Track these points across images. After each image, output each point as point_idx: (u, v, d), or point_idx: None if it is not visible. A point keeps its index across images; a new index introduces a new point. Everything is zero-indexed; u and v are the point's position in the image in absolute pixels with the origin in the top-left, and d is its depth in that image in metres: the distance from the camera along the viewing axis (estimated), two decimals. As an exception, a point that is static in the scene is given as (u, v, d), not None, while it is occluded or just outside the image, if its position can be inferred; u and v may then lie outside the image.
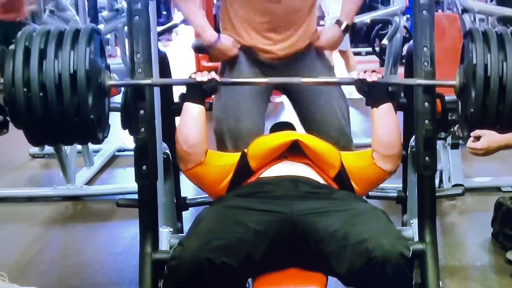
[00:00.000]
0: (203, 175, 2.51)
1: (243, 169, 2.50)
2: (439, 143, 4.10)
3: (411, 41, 2.61)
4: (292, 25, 2.95)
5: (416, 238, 2.41)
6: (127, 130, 2.41)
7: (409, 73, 2.74)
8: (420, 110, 2.34)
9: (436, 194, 2.42)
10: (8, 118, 2.27)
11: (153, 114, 2.40)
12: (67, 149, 4.40)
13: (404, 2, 5.30)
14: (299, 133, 2.69)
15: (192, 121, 2.46)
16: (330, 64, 3.19)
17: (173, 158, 2.86)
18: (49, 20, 4.59)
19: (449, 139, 4.14)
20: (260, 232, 2.19)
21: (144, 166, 2.35)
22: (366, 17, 5.07)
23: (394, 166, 2.51)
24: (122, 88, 2.72)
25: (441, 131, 2.44)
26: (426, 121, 2.32)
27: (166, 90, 2.88)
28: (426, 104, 2.33)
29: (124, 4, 4.52)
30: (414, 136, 2.44)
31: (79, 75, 2.15)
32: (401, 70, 4.39)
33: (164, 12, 13.34)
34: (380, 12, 5.40)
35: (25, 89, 2.14)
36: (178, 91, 2.61)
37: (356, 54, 8.45)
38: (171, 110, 2.74)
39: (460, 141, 4.00)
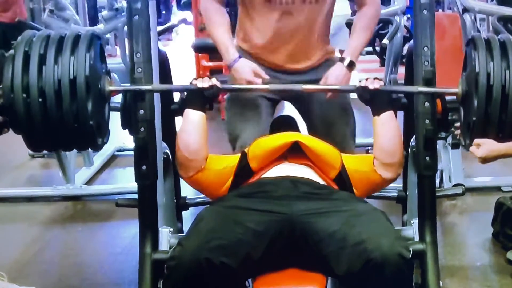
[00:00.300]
0: (205, 180, 2.50)
1: (244, 170, 2.49)
2: (440, 143, 4.10)
3: (412, 41, 2.61)
4: (309, 55, 2.93)
5: (417, 238, 2.41)
6: (127, 130, 2.41)
7: (409, 73, 2.73)
8: (420, 110, 2.34)
9: (437, 194, 2.42)
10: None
11: (153, 113, 2.39)
12: (66, 148, 4.40)
13: (405, 2, 5.29)
14: (300, 133, 2.68)
15: (193, 127, 2.46)
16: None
17: (173, 158, 2.86)
18: (48, 20, 4.58)
19: (449, 139, 4.13)
20: (260, 232, 2.18)
21: (144, 166, 2.35)
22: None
23: (395, 174, 2.51)
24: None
25: (441, 131, 2.43)
26: (427, 121, 2.32)
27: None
28: (427, 104, 2.33)
29: (124, 4, 4.53)
30: (414, 136, 2.44)
31: (79, 81, 2.15)
32: (401, 70, 4.38)
33: (164, 12, 13.33)
34: (381, 12, 5.38)
35: (24, 95, 2.12)
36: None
37: (356, 53, 8.41)
38: (171, 110, 2.73)
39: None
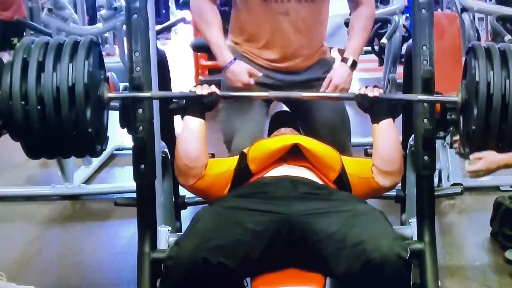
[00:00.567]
0: (206, 187, 2.51)
1: (243, 172, 2.50)
2: (438, 142, 4.09)
3: (410, 40, 2.61)
4: (305, 55, 2.95)
5: (415, 237, 2.41)
6: (125, 129, 2.41)
7: (408, 72, 2.74)
8: (419, 110, 2.33)
9: (435, 193, 2.41)
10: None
11: (152, 113, 2.39)
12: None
13: (403, 1, 5.30)
14: (300, 136, 2.68)
15: (193, 135, 2.45)
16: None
17: (172, 157, 2.86)
18: (47, 19, 4.59)
19: (448, 138, 4.13)
20: (258, 232, 2.18)
21: (143, 165, 2.35)
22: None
23: (393, 183, 2.51)
24: (121, 87, 2.71)
25: (440, 131, 2.43)
26: (425, 121, 2.32)
27: (165, 89, 2.88)
28: (425, 103, 2.32)
29: (123, 3, 4.53)
30: (413, 135, 2.44)
31: (77, 88, 2.13)
32: (400, 69, 4.38)
33: (163, 11, 13.33)
34: (379, 11, 5.39)
35: (22, 102, 2.11)
36: (176, 89, 2.59)
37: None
38: (170, 109, 2.73)
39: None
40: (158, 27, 4.53)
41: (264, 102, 2.97)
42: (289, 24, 2.84)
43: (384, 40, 4.98)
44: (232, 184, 2.50)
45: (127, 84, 2.40)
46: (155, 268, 2.31)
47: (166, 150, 2.82)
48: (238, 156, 2.56)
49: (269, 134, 2.84)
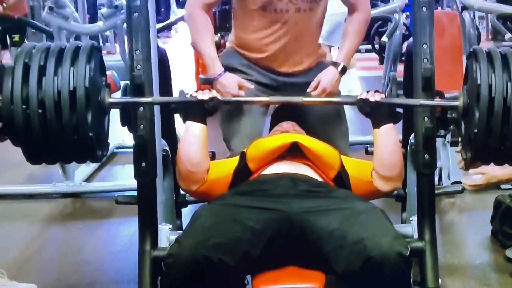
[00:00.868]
0: (210, 191, 2.51)
1: (242, 171, 2.51)
2: (439, 140, 4.09)
3: (411, 39, 2.61)
4: (303, 60, 2.99)
5: (416, 236, 2.41)
6: (126, 127, 2.41)
7: (409, 71, 2.73)
8: (419, 108, 2.33)
9: (436, 192, 2.41)
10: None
11: (153, 111, 2.39)
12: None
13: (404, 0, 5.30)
14: (299, 134, 2.68)
15: (194, 140, 2.46)
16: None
17: (172, 155, 2.86)
18: (48, 17, 4.59)
19: (448, 137, 4.13)
20: (258, 230, 2.19)
21: (144, 163, 2.35)
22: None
23: (392, 188, 2.53)
24: (122, 85, 2.71)
25: (440, 129, 2.43)
26: (426, 119, 2.32)
27: (166, 88, 2.88)
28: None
29: (123, 1, 4.53)
30: (413, 134, 2.44)
31: (79, 93, 2.13)
32: (400, 67, 4.38)
33: (163, 9, 13.33)
34: (380, 9, 5.40)
35: (24, 106, 2.11)
36: (177, 87, 2.60)
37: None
38: (170, 108, 2.73)
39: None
40: (159, 25, 4.53)
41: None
42: (288, 32, 2.89)
43: (384, 38, 4.99)
44: (232, 182, 2.50)
45: (127, 82, 2.40)
46: (156, 266, 2.31)
47: (167, 148, 2.82)
48: (238, 157, 2.56)
49: (271, 129, 2.86)
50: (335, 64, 2.93)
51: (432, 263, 2.31)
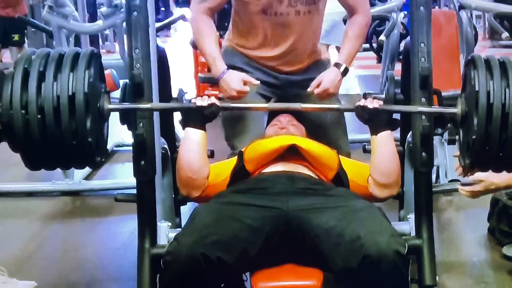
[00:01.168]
0: (211, 194, 2.51)
1: (240, 172, 2.52)
2: (436, 138, 4.11)
3: (408, 38, 2.62)
4: (301, 60, 3.02)
5: (413, 234, 2.42)
6: (125, 126, 2.42)
7: (406, 70, 2.75)
8: (417, 107, 2.34)
9: (433, 190, 2.42)
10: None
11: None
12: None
13: (401, -1, 5.31)
14: (296, 136, 2.68)
15: (194, 146, 2.48)
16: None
17: (171, 153, 2.87)
18: (48, 16, 4.59)
19: (445, 135, 4.14)
20: (256, 228, 2.20)
21: (143, 161, 2.36)
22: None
23: (388, 195, 2.54)
24: (121, 84, 2.72)
25: (438, 127, 2.43)
26: (423, 117, 2.33)
27: (165, 86, 2.89)
28: (423, 99, 2.33)
29: (123, 0, 4.53)
30: (411, 132, 2.45)
31: (78, 98, 2.12)
32: (398, 66, 4.39)
33: (163, 8, 13.33)
34: (378, 9, 5.40)
35: (23, 111, 2.11)
36: (176, 86, 2.60)
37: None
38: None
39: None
40: (158, 24, 4.53)
41: (262, 99, 3.00)
42: (288, 34, 2.91)
43: (382, 37, 5.00)
44: (229, 183, 2.52)
45: (127, 81, 2.41)
46: (155, 263, 2.32)
47: (166, 146, 2.84)
48: (236, 157, 2.58)
49: (268, 122, 2.88)
50: (337, 65, 2.93)
51: (429, 260, 2.32)
